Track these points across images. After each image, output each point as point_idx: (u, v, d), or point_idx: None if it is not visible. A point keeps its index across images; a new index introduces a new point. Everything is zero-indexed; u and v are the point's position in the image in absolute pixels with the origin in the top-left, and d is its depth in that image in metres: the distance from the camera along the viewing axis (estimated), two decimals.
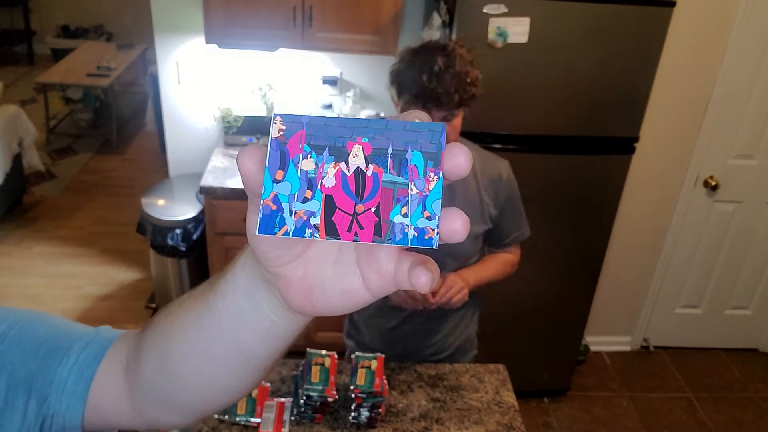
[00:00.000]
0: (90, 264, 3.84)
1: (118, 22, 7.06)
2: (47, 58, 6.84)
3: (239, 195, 2.71)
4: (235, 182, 2.72)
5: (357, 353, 1.61)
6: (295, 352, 3.38)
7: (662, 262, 3.25)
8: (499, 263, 1.85)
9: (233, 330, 0.57)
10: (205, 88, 3.08)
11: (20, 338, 0.70)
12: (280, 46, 2.73)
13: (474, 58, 1.56)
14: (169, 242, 2.92)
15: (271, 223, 0.44)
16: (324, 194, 0.44)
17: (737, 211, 3.14)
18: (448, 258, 1.72)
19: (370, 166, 0.44)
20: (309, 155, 0.44)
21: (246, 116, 2.96)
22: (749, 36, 2.73)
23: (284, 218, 0.44)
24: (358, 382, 1.55)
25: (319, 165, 0.44)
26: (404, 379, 1.75)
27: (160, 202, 3.02)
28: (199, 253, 3.00)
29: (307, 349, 1.64)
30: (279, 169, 0.44)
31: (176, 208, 2.98)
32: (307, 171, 0.44)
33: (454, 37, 2.27)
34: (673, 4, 2.29)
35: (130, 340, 0.71)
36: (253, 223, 0.47)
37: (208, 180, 2.73)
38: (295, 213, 0.44)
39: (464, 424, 1.62)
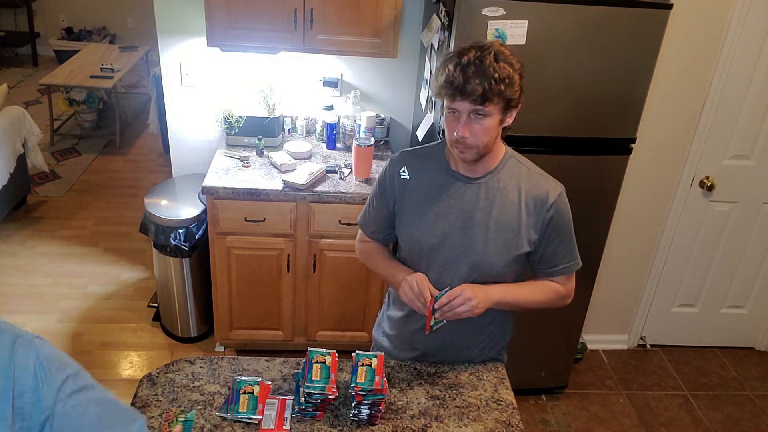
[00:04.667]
0: (93, 263, 3.87)
1: (121, 25, 7.09)
2: (51, 59, 6.88)
3: (240, 195, 2.74)
4: (237, 182, 2.75)
5: (357, 351, 1.64)
6: (297, 350, 3.38)
7: (659, 262, 3.27)
8: (540, 289, 1.73)
9: None
10: (208, 89, 3.11)
11: None
12: (281, 48, 2.76)
13: (515, 61, 1.52)
14: (172, 242, 2.95)
15: None
16: None
17: (733, 211, 3.16)
18: (475, 275, 1.66)
19: None
20: None
21: (248, 117, 2.98)
22: (745, 37, 2.75)
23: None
24: (358, 380, 1.56)
25: None
26: (404, 377, 1.77)
27: (163, 202, 3.05)
28: (202, 253, 3.02)
29: (309, 348, 1.67)
30: None
31: (179, 208, 3.00)
32: None
33: (453, 39, 2.29)
34: (670, 6, 2.30)
35: None
36: None
37: (211, 180, 2.75)
38: None
39: (463, 422, 1.64)
